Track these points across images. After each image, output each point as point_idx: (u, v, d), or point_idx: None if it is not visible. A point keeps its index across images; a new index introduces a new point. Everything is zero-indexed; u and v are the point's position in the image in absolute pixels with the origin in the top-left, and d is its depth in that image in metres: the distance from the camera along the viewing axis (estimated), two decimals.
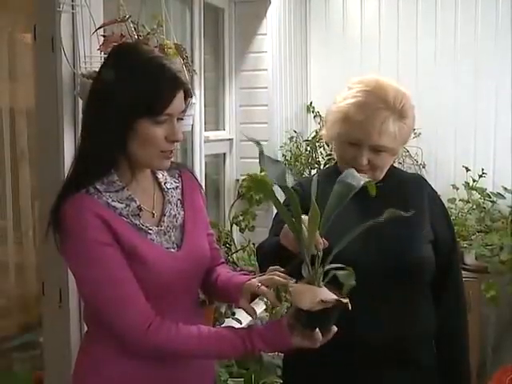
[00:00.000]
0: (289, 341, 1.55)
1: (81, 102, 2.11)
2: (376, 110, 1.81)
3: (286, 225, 1.60)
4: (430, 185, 2.02)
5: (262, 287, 1.60)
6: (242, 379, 2.86)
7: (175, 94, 1.54)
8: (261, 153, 1.47)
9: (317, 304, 1.47)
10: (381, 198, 1.86)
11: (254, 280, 1.64)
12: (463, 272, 3.71)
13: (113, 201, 1.55)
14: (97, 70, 2.08)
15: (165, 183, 1.71)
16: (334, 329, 1.57)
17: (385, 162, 1.87)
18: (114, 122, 1.51)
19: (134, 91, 1.50)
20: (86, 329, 1.74)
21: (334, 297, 1.48)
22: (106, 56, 1.65)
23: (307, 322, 1.53)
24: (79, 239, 1.50)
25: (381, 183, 1.79)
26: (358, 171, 1.81)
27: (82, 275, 1.54)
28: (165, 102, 1.52)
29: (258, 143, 1.50)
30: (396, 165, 3.98)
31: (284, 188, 1.45)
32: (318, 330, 1.54)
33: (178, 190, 1.73)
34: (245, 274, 1.75)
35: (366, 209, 1.72)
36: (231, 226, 3.83)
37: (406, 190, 1.94)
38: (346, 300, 1.49)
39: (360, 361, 1.82)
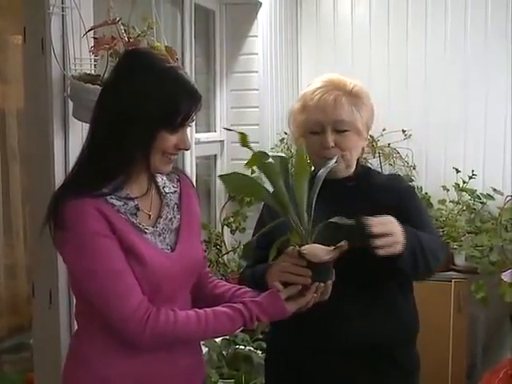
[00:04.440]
0: (283, 307, 1.62)
1: (71, 104, 2.11)
2: (327, 91, 1.89)
3: (278, 262, 1.68)
4: (404, 183, 2.03)
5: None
6: (233, 380, 2.86)
7: (195, 108, 1.59)
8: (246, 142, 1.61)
9: (333, 252, 1.61)
10: (351, 199, 1.89)
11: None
12: (453, 273, 3.78)
13: (111, 198, 1.57)
14: (87, 72, 2.11)
15: (163, 187, 1.72)
16: (334, 275, 1.66)
17: (352, 143, 1.89)
18: (141, 133, 1.54)
19: (160, 105, 1.53)
20: (75, 329, 1.74)
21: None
22: (118, 63, 1.65)
23: (322, 275, 1.64)
24: (78, 230, 1.51)
25: (352, 182, 1.81)
26: (329, 159, 1.84)
27: (80, 266, 1.54)
28: (185, 117, 1.58)
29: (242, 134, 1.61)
30: (387, 166, 4.07)
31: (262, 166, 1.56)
32: (329, 282, 1.65)
33: (176, 195, 1.75)
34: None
35: (334, 209, 1.73)
36: (222, 228, 3.83)
37: (377, 192, 1.93)
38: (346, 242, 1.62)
39: (337, 363, 1.84)
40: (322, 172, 1.71)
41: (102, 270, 1.51)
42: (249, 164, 1.59)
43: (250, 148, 1.60)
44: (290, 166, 1.70)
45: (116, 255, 1.53)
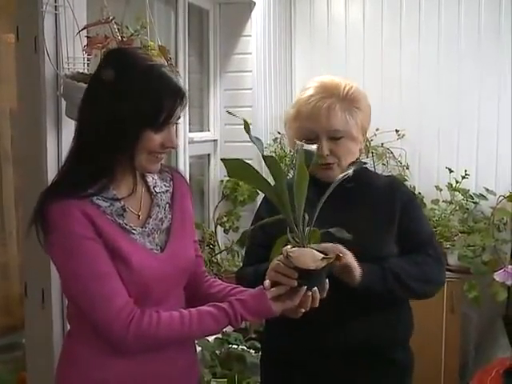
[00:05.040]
0: (270, 307, 1.59)
1: (64, 103, 2.11)
2: (320, 99, 1.87)
3: (273, 260, 1.66)
4: (404, 188, 2.02)
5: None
6: (226, 380, 2.86)
7: (178, 106, 1.56)
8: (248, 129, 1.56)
9: (320, 262, 1.56)
10: (350, 200, 1.88)
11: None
12: (446, 273, 3.77)
13: (97, 199, 1.56)
14: (80, 70, 2.10)
15: (154, 187, 1.71)
16: (327, 286, 1.63)
17: (347, 150, 1.89)
18: (123, 134, 1.52)
19: (142, 105, 1.51)
20: (68, 329, 1.74)
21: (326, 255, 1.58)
22: (101, 62, 1.63)
23: (309, 281, 1.59)
24: (63, 233, 1.51)
25: (350, 184, 1.81)
26: (324, 165, 1.85)
27: (66, 269, 1.54)
28: (169, 114, 1.55)
29: (245, 121, 1.57)
30: (380, 166, 4.08)
31: (266, 158, 1.52)
32: (316, 289, 1.61)
33: (168, 194, 1.74)
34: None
35: (334, 211, 1.73)
36: (215, 227, 3.83)
37: (377, 194, 1.94)
38: (340, 254, 1.60)
39: (336, 364, 1.84)
40: (337, 180, 1.69)
41: (87, 273, 1.50)
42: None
43: (249, 135, 1.58)
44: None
45: (101, 258, 1.52)
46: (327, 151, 1.86)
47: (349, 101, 1.88)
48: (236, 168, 1.57)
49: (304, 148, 1.63)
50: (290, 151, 3.77)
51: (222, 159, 1.56)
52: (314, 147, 1.67)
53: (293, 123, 1.93)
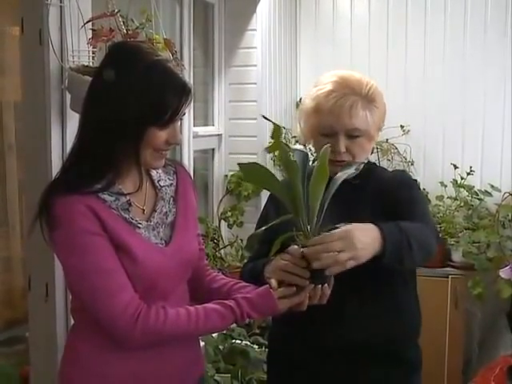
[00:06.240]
0: (276, 305, 1.60)
1: (68, 96, 2.10)
2: (343, 95, 1.84)
3: (278, 260, 1.66)
4: (407, 179, 1.97)
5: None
6: (229, 375, 2.85)
7: (184, 103, 1.55)
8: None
9: None
10: (353, 198, 1.87)
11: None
12: (450, 269, 3.79)
13: (102, 193, 1.55)
14: (85, 63, 2.09)
15: (158, 181, 1.70)
16: (333, 281, 1.65)
17: (362, 148, 1.87)
18: (126, 132, 1.51)
19: (146, 103, 1.50)
20: (72, 323, 1.73)
21: None
22: (104, 57, 1.61)
23: (320, 279, 1.62)
24: (68, 228, 1.50)
25: (357, 180, 1.79)
26: (338, 162, 1.83)
27: (70, 264, 1.53)
28: (174, 112, 1.54)
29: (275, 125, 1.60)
30: (385, 161, 4.07)
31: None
32: (326, 285, 1.63)
33: (172, 188, 1.73)
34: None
35: (335, 209, 1.71)
36: (219, 222, 3.83)
37: (380, 190, 1.91)
38: None
39: (335, 362, 1.83)
40: (339, 176, 1.68)
41: (92, 268, 1.49)
42: (270, 150, 1.59)
43: (278, 141, 1.57)
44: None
45: (106, 253, 1.51)
46: (343, 148, 1.84)
47: (370, 99, 1.85)
48: (252, 172, 1.56)
49: (296, 149, 1.63)
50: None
51: (238, 164, 1.54)
52: (302, 147, 1.68)
53: (310, 117, 1.90)
